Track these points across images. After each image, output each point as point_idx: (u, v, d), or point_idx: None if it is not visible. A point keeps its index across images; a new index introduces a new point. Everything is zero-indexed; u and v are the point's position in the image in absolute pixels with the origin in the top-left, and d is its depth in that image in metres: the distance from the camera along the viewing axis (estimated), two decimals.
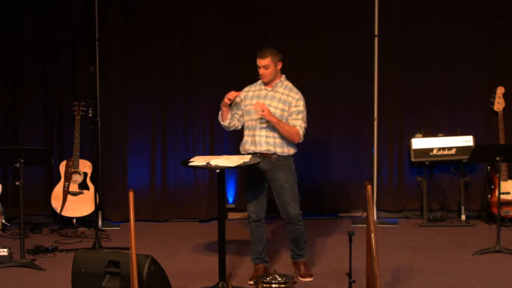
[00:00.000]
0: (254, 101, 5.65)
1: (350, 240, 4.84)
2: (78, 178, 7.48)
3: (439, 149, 7.55)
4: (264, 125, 5.60)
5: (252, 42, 7.44)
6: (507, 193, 7.32)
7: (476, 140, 7.51)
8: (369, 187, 4.81)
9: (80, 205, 7.43)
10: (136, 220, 4.82)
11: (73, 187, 7.46)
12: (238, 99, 5.69)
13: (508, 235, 6.88)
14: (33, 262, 6.23)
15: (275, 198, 5.72)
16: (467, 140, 7.53)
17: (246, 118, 5.71)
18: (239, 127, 5.80)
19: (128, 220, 4.69)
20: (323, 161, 7.89)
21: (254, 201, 5.72)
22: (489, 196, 7.42)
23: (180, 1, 7.79)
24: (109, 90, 7.78)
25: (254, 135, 5.64)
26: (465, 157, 7.39)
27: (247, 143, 5.70)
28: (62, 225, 7.47)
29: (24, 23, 7.72)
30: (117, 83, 7.81)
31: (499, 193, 6.60)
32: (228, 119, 5.72)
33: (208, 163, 5.35)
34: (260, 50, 5.60)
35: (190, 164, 5.47)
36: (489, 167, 7.43)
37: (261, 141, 5.62)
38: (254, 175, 5.68)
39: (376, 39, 7.65)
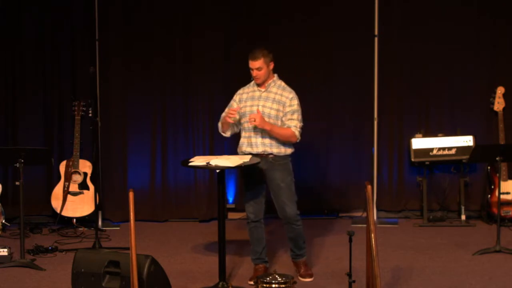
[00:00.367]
0: (248, 103, 5.66)
1: (350, 240, 4.84)
2: (78, 178, 7.48)
3: (439, 149, 7.55)
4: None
5: (252, 42, 7.43)
6: (507, 193, 7.32)
7: (476, 140, 7.51)
8: (369, 187, 4.81)
9: (80, 205, 7.43)
10: (136, 220, 4.82)
11: (73, 187, 7.46)
12: (237, 116, 5.67)
13: (508, 235, 6.88)
14: (33, 262, 6.23)
15: (272, 198, 5.72)
16: (467, 140, 7.53)
17: (242, 120, 5.71)
18: (238, 131, 5.80)
19: (128, 220, 4.69)
20: (323, 161, 7.89)
21: (252, 202, 5.72)
22: (489, 196, 7.42)
23: (180, 1, 7.79)
24: (109, 90, 7.78)
25: (250, 137, 5.65)
26: (465, 157, 7.39)
27: (244, 145, 5.70)
28: (62, 225, 7.47)
29: (24, 23, 7.72)
30: (117, 83, 7.81)
31: (499, 193, 6.60)
32: (229, 131, 5.75)
33: (208, 163, 5.35)
34: (251, 52, 5.59)
35: (190, 164, 5.47)
36: (489, 167, 7.44)
37: (257, 143, 5.62)
38: (253, 175, 5.68)
39: (376, 39, 7.66)
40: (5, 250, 6.22)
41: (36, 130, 7.78)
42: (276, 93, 5.64)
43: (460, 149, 7.52)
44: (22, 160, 6.17)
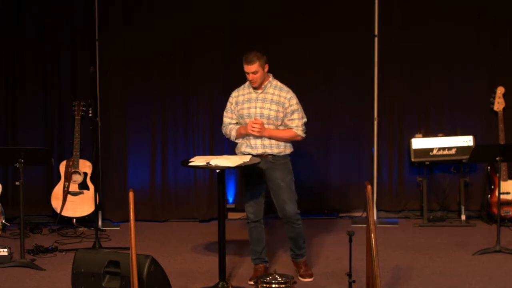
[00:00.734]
0: (245, 105, 5.66)
1: (350, 240, 4.84)
2: (78, 178, 7.48)
3: (439, 149, 7.55)
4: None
5: (252, 42, 7.44)
6: (507, 193, 7.32)
7: (476, 140, 7.51)
8: (369, 187, 4.81)
9: (80, 205, 7.43)
10: (136, 220, 4.82)
11: (73, 187, 7.46)
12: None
13: (508, 235, 6.88)
14: (33, 262, 6.23)
15: (272, 197, 5.72)
16: (467, 140, 7.53)
17: (240, 121, 5.70)
18: None
19: (128, 220, 4.69)
20: (323, 161, 7.89)
21: (252, 202, 5.72)
22: (489, 196, 7.42)
23: (180, 1, 7.79)
24: (109, 90, 7.78)
25: (249, 138, 5.64)
26: (465, 157, 7.39)
27: (243, 146, 5.70)
28: (62, 225, 7.47)
29: (24, 23, 7.72)
30: (117, 83, 7.81)
31: (499, 193, 6.60)
32: (241, 137, 5.73)
33: (208, 163, 5.35)
34: (245, 57, 5.57)
35: (190, 164, 5.47)
36: (489, 167, 7.43)
37: (257, 144, 5.63)
38: (252, 175, 5.68)
39: (376, 39, 7.66)
40: (5, 250, 6.22)
41: (36, 130, 7.78)
42: (273, 94, 5.64)
43: (460, 149, 7.52)
44: (22, 160, 6.17)
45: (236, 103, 5.71)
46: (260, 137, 5.59)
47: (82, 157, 7.48)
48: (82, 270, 4.92)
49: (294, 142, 5.73)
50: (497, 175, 7.20)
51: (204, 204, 7.86)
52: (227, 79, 7.72)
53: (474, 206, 7.68)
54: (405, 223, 7.60)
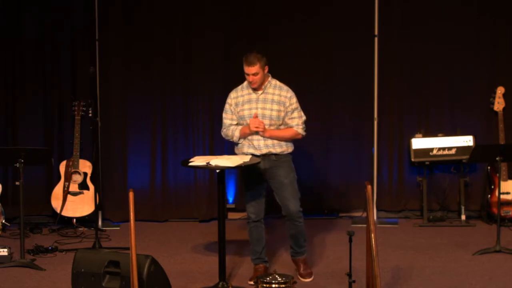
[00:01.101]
0: (246, 106, 5.66)
1: (350, 240, 4.84)
2: (78, 178, 7.48)
3: (439, 149, 7.55)
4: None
5: (252, 42, 7.44)
6: (507, 193, 7.31)
7: (476, 140, 7.51)
8: (369, 187, 4.81)
9: (80, 205, 7.43)
10: (136, 220, 4.82)
11: (73, 187, 7.46)
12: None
13: (508, 235, 6.88)
14: (33, 262, 6.23)
15: (275, 195, 5.73)
16: (467, 140, 7.53)
17: (240, 122, 5.71)
18: None
19: (128, 220, 4.69)
20: (323, 161, 7.89)
21: (253, 202, 5.72)
22: (489, 196, 7.42)
23: (180, 1, 7.79)
24: (109, 90, 7.78)
25: (252, 139, 5.65)
26: (465, 157, 7.39)
27: (245, 146, 5.69)
28: (62, 225, 7.47)
29: (24, 23, 7.72)
30: (117, 83, 7.81)
31: (499, 193, 6.60)
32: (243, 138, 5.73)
33: (208, 163, 5.35)
34: (245, 58, 5.57)
35: (190, 164, 5.47)
36: (489, 167, 7.43)
37: (260, 145, 5.63)
38: (253, 175, 5.68)
39: (376, 39, 7.65)
40: (5, 250, 6.22)
41: (36, 130, 7.77)
42: (274, 94, 5.65)
43: (460, 149, 7.52)
44: (22, 160, 6.17)
45: (236, 104, 5.71)
46: (263, 137, 5.60)
47: (82, 157, 7.48)
48: (82, 270, 4.92)
49: (294, 141, 5.74)
50: (497, 175, 7.20)
51: (204, 204, 7.86)
52: (227, 79, 7.71)
53: (474, 206, 7.68)
54: (405, 223, 7.60)
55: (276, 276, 4.88)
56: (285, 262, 6.11)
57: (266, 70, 5.63)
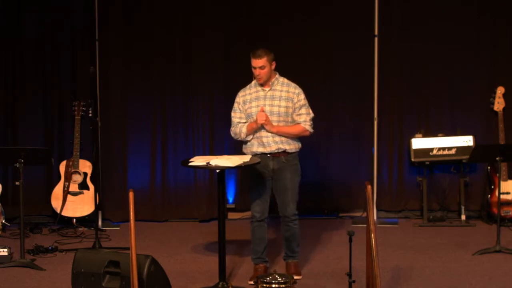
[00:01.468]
0: (254, 104, 5.69)
1: (350, 240, 4.84)
2: (78, 178, 7.48)
3: (439, 149, 7.55)
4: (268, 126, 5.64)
5: (252, 42, 7.44)
6: (507, 193, 7.31)
7: (476, 140, 7.51)
8: (369, 187, 4.81)
9: (80, 205, 7.43)
10: (136, 220, 4.82)
11: (73, 187, 7.46)
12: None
13: (508, 235, 6.88)
14: (33, 262, 6.23)
15: (274, 194, 5.75)
16: (467, 140, 7.53)
17: (249, 120, 5.72)
18: None
19: (128, 220, 4.69)
20: (323, 161, 7.89)
21: (259, 201, 5.74)
22: (489, 196, 7.42)
23: (180, 1, 7.79)
24: (109, 90, 7.78)
25: (261, 137, 5.66)
26: (465, 157, 7.39)
27: (254, 145, 5.71)
28: (62, 225, 7.47)
29: (24, 23, 7.72)
30: (117, 83, 7.81)
31: (499, 193, 6.60)
32: (251, 134, 5.72)
33: (208, 163, 5.35)
34: (253, 52, 5.63)
35: (190, 164, 5.47)
36: (489, 167, 7.43)
37: (269, 142, 5.65)
38: (260, 174, 5.70)
39: (376, 39, 7.65)
40: (5, 250, 6.22)
41: (36, 130, 7.78)
42: (281, 91, 5.68)
43: (460, 149, 7.52)
44: (22, 160, 6.17)
45: (244, 102, 5.73)
46: (272, 134, 5.62)
47: (82, 157, 7.48)
48: (82, 270, 4.92)
49: (308, 136, 5.76)
50: (497, 175, 7.20)
51: (204, 204, 7.86)
52: (227, 79, 7.72)
53: (474, 206, 7.68)
54: (405, 223, 7.60)
55: (276, 276, 4.89)
56: (284, 263, 6.10)
57: (273, 66, 5.67)
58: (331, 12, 7.75)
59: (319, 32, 7.76)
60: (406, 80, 7.77)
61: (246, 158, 5.51)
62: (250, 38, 7.64)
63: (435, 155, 7.54)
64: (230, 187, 7.85)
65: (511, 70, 7.65)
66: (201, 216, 7.86)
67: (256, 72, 5.63)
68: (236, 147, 7.50)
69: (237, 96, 5.81)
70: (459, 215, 7.57)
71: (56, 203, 7.45)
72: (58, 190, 7.47)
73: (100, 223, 7.47)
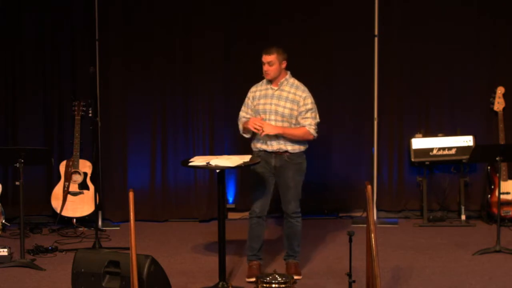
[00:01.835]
0: (261, 101, 5.73)
1: (350, 240, 4.84)
2: (78, 178, 7.48)
3: (439, 149, 7.55)
4: (273, 124, 5.65)
5: (252, 42, 7.45)
6: (507, 193, 7.31)
7: (476, 140, 7.51)
8: (369, 187, 4.81)
9: (80, 205, 7.43)
10: (136, 220, 4.82)
11: (73, 187, 7.46)
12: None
13: (508, 235, 6.88)
14: (33, 262, 6.23)
15: (279, 191, 5.78)
16: (467, 140, 7.53)
17: (256, 116, 5.73)
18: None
19: (128, 220, 4.69)
20: (323, 161, 7.88)
21: (260, 197, 5.76)
22: (489, 196, 7.42)
23: (180, 1, 7.79)
24: (109, 90, 7.78)
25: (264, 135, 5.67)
26: (465, 157, 7.39)
27: (259, 142, 5.75)
28: (62, 225, 7.47)
29: (24, 23, 7.72)
30: (117, 83, 7.81)
31: (499, 193, 6.60)
32: (249, 134, 5.78)
33: (208, 163, 5.36)
34: (266, 47, 5.69)
35: (190, 164, 5.47)
36: (489, 167, 7.43)
37: (271, 141, 5.65)
38: (263, 172, 5.72)
39: (376, 39, 7.65)
40: (5, 250, 6.22)
41: (36, 130, 7.77)
42: (289, 92, 5.70)
43: (460, 149, 7.52)
44: (22, 160, 6.17)
45: (253, 98, 5.78)
46: (275, 135, 5.62)
47: (82, 157, 7.47)
48: (82, 270, 4.93)
49: (311, 140, 5.77)
50: (497, 175, 7.20)
51: (204, 204, 7.86)
52: (227, 79, 7.72)
53: (474, 206, 7.68)
54: (405, 223, 7.60)
55: (276, 276, 4.89)
56: (284, 262, 6.10)
57: (283, 65, 5.71)
58: (331, 12, 7.75)
59: (319, 32, 7.76)
60: (406, 80, 7.77)
61: (246, 158, 5.52)
62: (250, 38, 7.65)
63: (435, 155, 7.54)
64: (230, 187, 7.85)
65: (511, 70, 7.65)
66: (201, 216, 7.86)
67: (265, 67, 5.67)
68: (236, 147, 7.53)
69: (250, 91, 5.85)
70: (459, 215, 7.57)
71: (56, 203, 7.45)
72: (58, 190, 7.47)
73: (100, 223, 7.47)
